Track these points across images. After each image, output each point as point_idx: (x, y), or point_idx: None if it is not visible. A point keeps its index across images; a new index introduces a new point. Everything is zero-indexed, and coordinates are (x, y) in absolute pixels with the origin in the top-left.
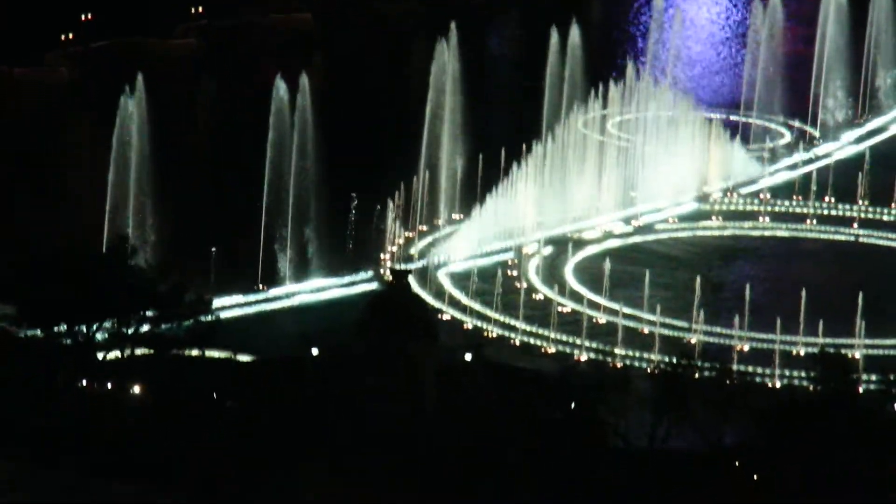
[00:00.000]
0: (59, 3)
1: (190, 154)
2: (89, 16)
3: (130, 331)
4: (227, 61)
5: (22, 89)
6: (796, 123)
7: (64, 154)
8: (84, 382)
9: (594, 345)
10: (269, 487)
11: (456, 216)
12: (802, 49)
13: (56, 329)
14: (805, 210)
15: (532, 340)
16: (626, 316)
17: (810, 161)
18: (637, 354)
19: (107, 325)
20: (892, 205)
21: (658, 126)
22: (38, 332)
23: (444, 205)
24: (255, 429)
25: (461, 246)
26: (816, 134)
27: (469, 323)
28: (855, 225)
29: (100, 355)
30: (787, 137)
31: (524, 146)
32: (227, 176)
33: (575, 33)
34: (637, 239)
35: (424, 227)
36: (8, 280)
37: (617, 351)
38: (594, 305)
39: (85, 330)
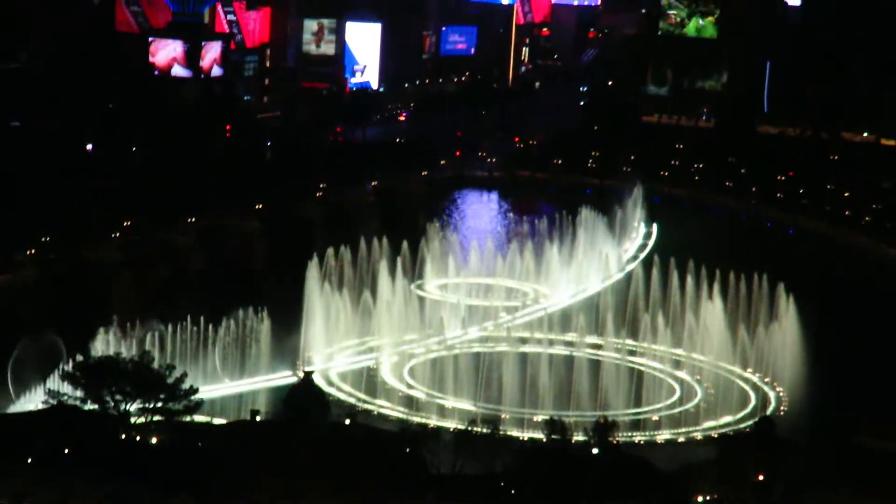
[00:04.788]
0: None
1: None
2: None
3: (151, 405)
4: None
5: None
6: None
7: None
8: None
9: (419, 416)
10: None
11: (341, 339)
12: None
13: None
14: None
15: (385, 412)
16: (441, 397)
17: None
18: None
19: (137, 404)
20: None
21: (459, 286)
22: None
23: (331, 329)
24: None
25: (343, 355)
26: (546, 292)
27: (349, 402)
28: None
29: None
30: (529, 295)
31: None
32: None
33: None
34: (444, 353)
35: (323, 345)
36: None
37: (442, 424)
38: (414, 391)
39: (123, 407)
